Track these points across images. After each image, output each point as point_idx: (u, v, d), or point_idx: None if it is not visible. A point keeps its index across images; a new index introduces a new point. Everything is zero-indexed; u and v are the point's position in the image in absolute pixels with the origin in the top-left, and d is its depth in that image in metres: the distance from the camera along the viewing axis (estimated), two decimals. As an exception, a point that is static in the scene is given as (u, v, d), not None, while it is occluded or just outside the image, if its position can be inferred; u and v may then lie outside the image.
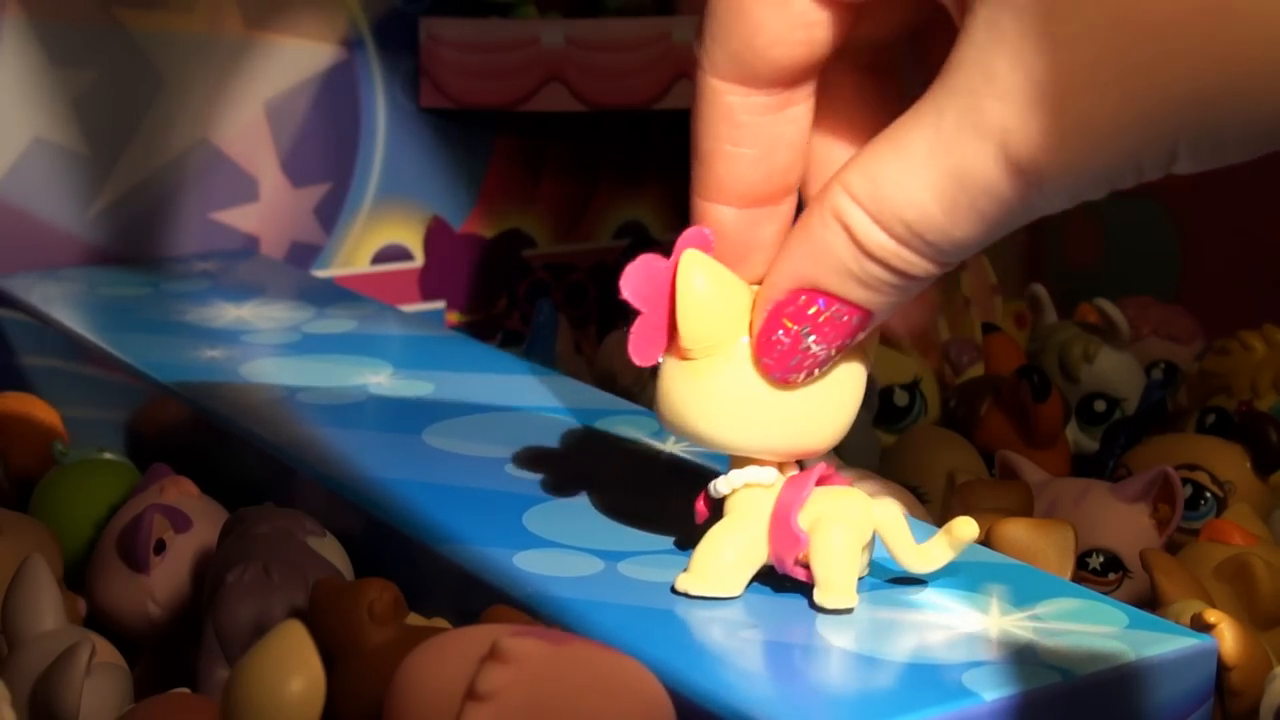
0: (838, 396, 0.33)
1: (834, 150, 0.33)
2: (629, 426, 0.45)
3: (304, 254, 0.69)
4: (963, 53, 0.29)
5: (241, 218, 0.67)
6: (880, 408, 0.56)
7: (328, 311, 0.56)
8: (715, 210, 0.33)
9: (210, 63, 0.65)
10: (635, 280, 0.32)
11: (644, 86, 0.70)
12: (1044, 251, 0.97)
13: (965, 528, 0.34)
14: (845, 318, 0.31)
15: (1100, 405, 0.59)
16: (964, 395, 0.56)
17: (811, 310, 0.31)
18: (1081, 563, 0.46)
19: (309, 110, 0.68)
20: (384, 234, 0.70)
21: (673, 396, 0.33)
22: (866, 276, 0.31)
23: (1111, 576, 0.46)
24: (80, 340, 0.54)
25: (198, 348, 0.52)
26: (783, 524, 0.34)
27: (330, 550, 0.39)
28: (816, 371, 0.32)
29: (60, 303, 0.58)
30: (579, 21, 0.69)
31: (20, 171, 0.62)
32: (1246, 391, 0.59)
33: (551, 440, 0.44)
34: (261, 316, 0.56)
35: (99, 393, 0.54)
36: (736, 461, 0.34)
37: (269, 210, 0.68)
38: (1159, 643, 0.33)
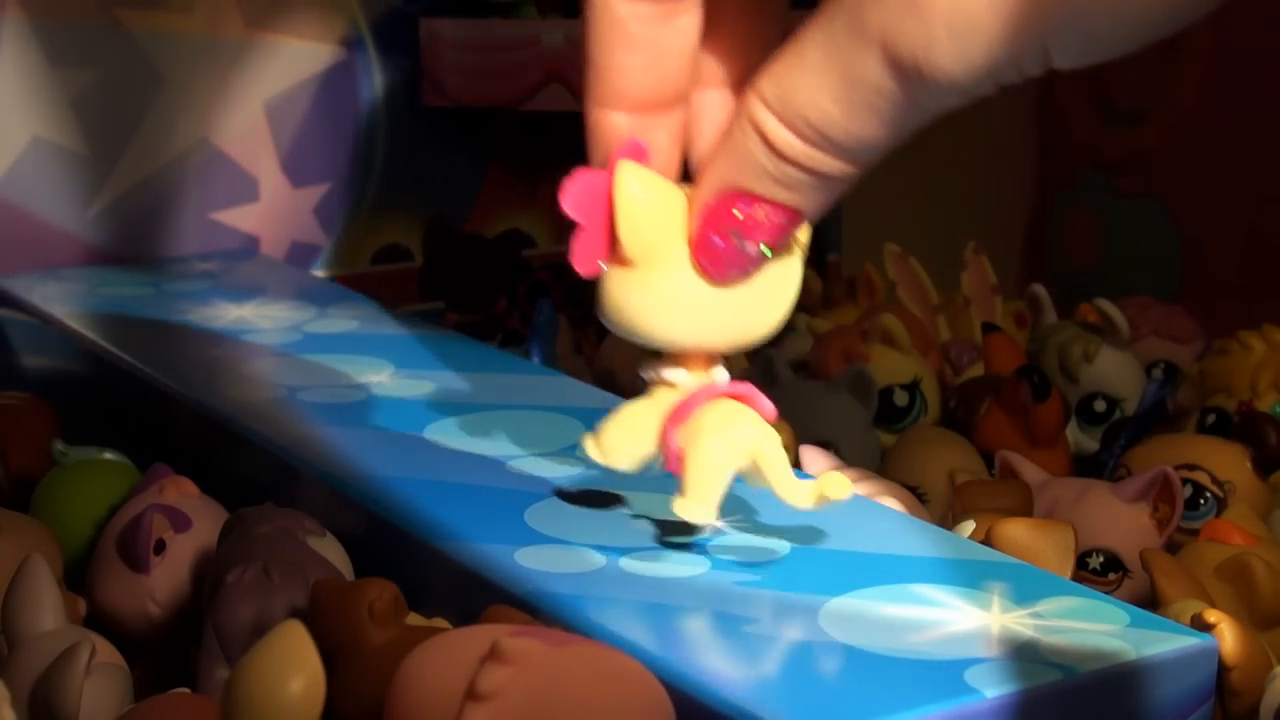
0: (770, 291, 0.35)
1: (721, 60, 0.35)
2: (629, 426, 0.45)
3: (304, 254, 0.69)
4: None
5: (241, 218, 0.67)
6: (880, 408, 0.56)
7: (328, 311, 0.56)
8: (610, 117, 0.34)
9: (210, 63, 0.65)
10: (574, 195, 0.34)
11: (644, 86, 0.70)
12: (1044, 251, 0.97)
13: (836, 487, 0.35)
14: (773, 218, 0.33)
15: (1100, 405, 0.59)
16: (964, 395, 0.56)
17: (741, 213, 0.33)
18: (1081, 563, 0.46)
19: (309, 110, 0.68)
20: (384, 234, 0.70)
21: (618, 302, 0.34)
22: (783, 177, 0.32)
23: (1111, 576, 0.46)
24: (80, 340, 0.54)
25: (198, 347, 0.52)
26: (667, 427, 0.35)
27: (330, 550, 0.39)
28: (754, 271, 0.34)
29: (60, 303, 0.58)
30: (579, 21, 0.69)
31: (20, 171, 0.62)
32: (1246, 391, 0.59)
33: (552, 439, 0.44)
34: (262, 316, 0.56)
35: (99, 393, 0.54)
36: (667, 356, 0.35)
37: (269, 210, 0.68)
38: (1160, 641, 0.33)
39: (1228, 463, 0.51)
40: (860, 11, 0.30)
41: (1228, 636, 0.35)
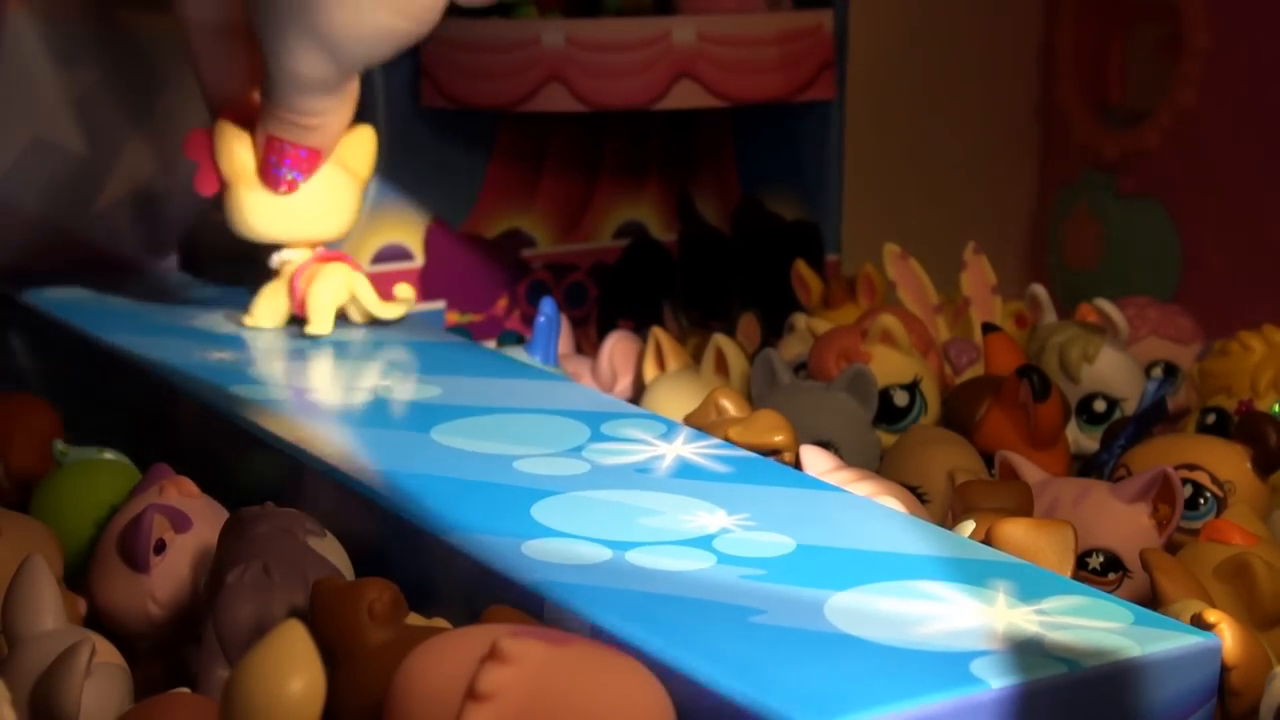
0: (330, 205, 0.54)
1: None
2: (630, 426, 0.45)
3: (304, 254, 0.68)
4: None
5: (241, 218, 0.67)
6: (880, 408, 0.56)
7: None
8: (215, 102, 0.54)
9: (210, 63, 0.65)
10: (192, 143, 0.54)
11: (644, 86, 0.70)
12: (1044, 251, 0.97)
13: (404, 291, 0.56)
14: (296, 153, 0.52)
15: (1100, 405, 0.59)
16: (964, 395, 0.56)
17: (275, 149, 0.52)
18: (1081, 563, 0.46)
19: (309, 110, 0.67)
20: (384, 234, 0.70)
21: (231, 213, 0.54)
22: (293, 126, 0.52)
23: (1111, 576, 0.46)
24: (80, 340, 0.54)
25: (199, 348, 0.52)
26: (292, 283, 0.54)
27: (330, 550, 0.39)
28: (300, 186, 0.53)
29: (60, 303, 0.58)
30: (579, 21, 0.69)
31: (20, 171, 0.62)
32: (1246, 391, 0.59)
33: (556, 439, 0.44)
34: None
35: (99, 393, 0.54)
36: (285, 248, 0.55)
37: (269, 210, 0.68)
38: (1164, 640, 0.33)
39: (1228, 463, 0.51)
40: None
41: (1228, 636, 0.35)
